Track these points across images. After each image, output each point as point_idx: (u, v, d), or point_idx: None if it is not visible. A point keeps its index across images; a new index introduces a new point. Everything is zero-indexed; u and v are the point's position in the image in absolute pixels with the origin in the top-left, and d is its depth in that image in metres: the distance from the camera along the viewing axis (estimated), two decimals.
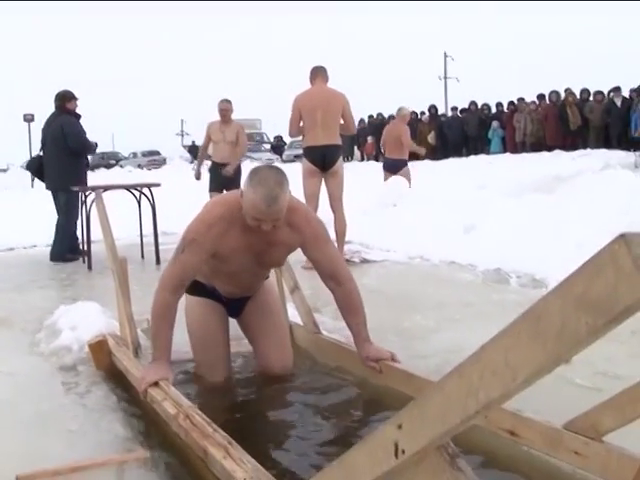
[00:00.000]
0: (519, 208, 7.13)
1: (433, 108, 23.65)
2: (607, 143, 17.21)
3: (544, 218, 6.36)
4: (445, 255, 6.38)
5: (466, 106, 22.43)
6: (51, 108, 7.69)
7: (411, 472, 1.24)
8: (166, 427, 2.44)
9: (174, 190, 10.80)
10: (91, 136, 7.86)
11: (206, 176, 8.79)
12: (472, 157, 19.19)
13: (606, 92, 18.22)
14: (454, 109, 23.07)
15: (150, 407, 2.61)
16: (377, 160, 22.87)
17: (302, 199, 6.52)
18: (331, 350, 3.25)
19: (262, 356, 3.16)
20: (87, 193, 7.11)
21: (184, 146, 42.44)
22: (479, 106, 22.08)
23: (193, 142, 34.58)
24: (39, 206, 9.35)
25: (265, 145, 33.28)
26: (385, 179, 9.88)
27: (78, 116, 7.64)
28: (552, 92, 19.85)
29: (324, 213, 6.68)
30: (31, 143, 19.77)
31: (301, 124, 6.53)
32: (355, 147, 24.40)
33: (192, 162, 23.76)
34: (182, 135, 59.64)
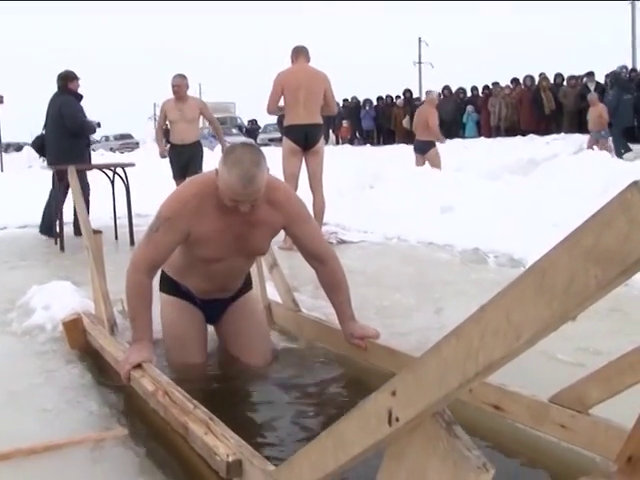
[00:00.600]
0: (496, 190, 7.15)
1: (408, 92, 23.61)
2: (581, 128, 17.27)
3: (521, 199, 6.37)
4: (423, 236, 6.36)
5: (440, 91, 22.39)
6: (18, 90, 7.69)
7: (405, 440, 1.19)
8: (145, 405, 2.38)
9: (147, 173, 10.68)
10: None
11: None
12: (447, 141, 19.18)
13: (580, 77, 18.30)
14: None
15: (128, 385, 2.54)
16: (352, 144, 22.84)
17: (281, 178, 6.47)
18: (311, 328, 3.21)
19: (243, 352, 2.95)
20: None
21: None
22: (454, 91, 22.09)
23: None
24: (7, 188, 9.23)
25: (239, 129, 33.01)
26: (416, 161, 10.32)
27: (80, 96, 7.71)
28: (526, 77, 19.89)
29: (303, 193, 6.63)
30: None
31: (281, 102, 6.46)
32: (330, 130, 24.29)
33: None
34: (155, 119, 59.17)
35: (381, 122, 23.53)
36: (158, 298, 2.91)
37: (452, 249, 5.82)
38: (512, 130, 19.31)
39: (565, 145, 14.10)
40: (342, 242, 6.67)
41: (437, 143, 10.40)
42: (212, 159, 11.26)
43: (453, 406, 1.17)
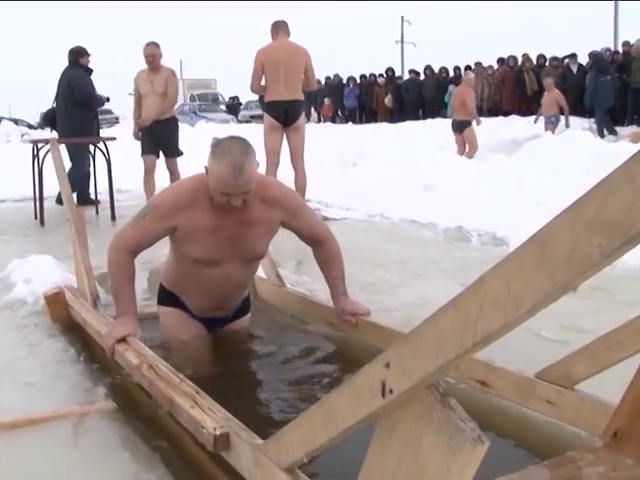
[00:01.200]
0: (479, 168, 7.15)
1: (390, 71, 23.49)
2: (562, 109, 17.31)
3: (504, 178, 6.39)
4: (405, 214, 6.37)
5: (422, 70, 22.32)
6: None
7: (398, 412, 1.19)
8: (129, 378, 2.36)
9: (128, 149, 10.55)
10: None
11: None
12: (429, 120, 19.14)
13: (562, 59, 18.29)
14: (412, 72, 22.95)
15: (112, 359, 2.51)
16: (334, 122, 22.74)
17: (263, 155, 6.44)
18: (296, 303, 3.20)
19: None
20: (40, 146, 6.91)
21: None
22: (436, 70, 22.01)
23: None
24: None
25: (220, 105, 32.76)
26: (455, 139, 10.91)
27: (90, 70, 7.90)
28: (509, 57, 19.85)
29: (285, 170, 6.61)
30: None
31: (263, 79, 6.41)
32: (312, 108, 24.17)
33: None
34: (135, 94, 58.37)
35: (363, 101, 23.43)
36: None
37: (435, 227, 5.83)
38: (494, 110, 19.28)
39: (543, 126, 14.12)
40: (325, 219, 6.63)
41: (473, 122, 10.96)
42: (192, 136, 11.22)
43: None
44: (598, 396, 1.97)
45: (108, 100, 8.99)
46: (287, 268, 4.08)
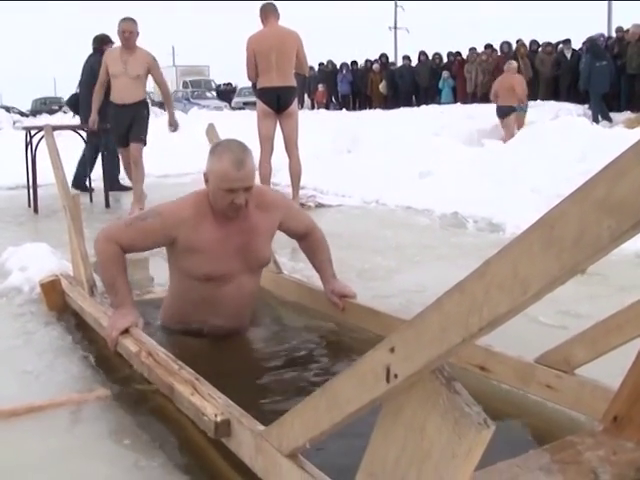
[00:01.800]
0: (475, 155, 7.14)
1: (384, 57, 23.40)
2: (556, 95, 17.27)
3: (500, 164, 6.38)
4: (401, 200, 6.36)
5: (416, 56, 22.23)
6: None
7: (403, 397, 1.18)
8: (128, 366, 2.35)
9: None
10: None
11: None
12: (423, 107, 19.09)
13: (556, 44, 18.25)
14: (406, 58, 22.86)
15: (114, 351, 2.49)
16: (327, 108, 22.66)
17: (257, 142, 6.42)
18: (293, 289, 3.19)
19: None
20: (32, 133, 6.86)
21: None
22: (430, 56, 21.93)
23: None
24: None
25: (213, 92, 32.63)
26: (501, 124, 11.52)
27: None
28: (503, 43, 19.78)
29: (279, 156, 6.59)
30: None
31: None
32: (305, 95, 24.07)
33: None
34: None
35: (358, 87, 23.35)
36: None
37: (431, 213, 5.82)
38: (488, 97, 19.24)
39: (542, 112, 14.08)
40: (320, 206, 6.65)
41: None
42: (186, 123, 11.15)
43: None
44: (598, 380, 1.97)
45: None
46: (283, 255, 4.06)
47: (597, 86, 13.73)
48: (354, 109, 21.97)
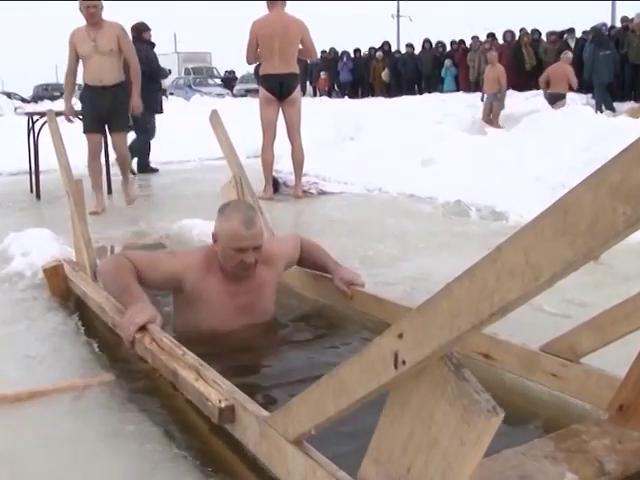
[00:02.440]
0: (478, 143, 7.11)
1: (387, 45, 23.31)
2: None
3: (503, 153, 6.34)
4: (403, 188, 6.33)
5: (419, 44, 22.15)
6: None
7: (411, 384, 1.17)
8: (131, 351, 2.34)
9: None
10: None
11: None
12: (426, 95, 19.04)
13: (560, 33, 18.15)
14: (409, 46, 22.76)
15: (113, 332, 2.49)
16: (329, 96, 22.58)
17: (259, 129, 6.40)
18: (297, 277, 3.17)
19: None
20: (35, 119, 6.84)
21: None
22: (433, 44, 21.84)
23: None
24: None
25: (215, 79, 32.51)
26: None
27: (152, 44, 8.41)
28: (506, 32, 19.69)
29: (281, 144, 6.56)
30: None
31: (258, 51, 6.35)
32: (308, 82, 23.97)
33: None
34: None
35: (359, 75, 23.27)
36: None
37: (434, 201, 5.80)
38: None
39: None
40: (323, 193, 6.63)
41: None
42: (188, 110, 11.06)
43: None
44: (604, 369, 1.96)
45: (170, 72, 9.18)
46: None
47: (601, 76, 13.67)
48: (357, 97, 21.89)
